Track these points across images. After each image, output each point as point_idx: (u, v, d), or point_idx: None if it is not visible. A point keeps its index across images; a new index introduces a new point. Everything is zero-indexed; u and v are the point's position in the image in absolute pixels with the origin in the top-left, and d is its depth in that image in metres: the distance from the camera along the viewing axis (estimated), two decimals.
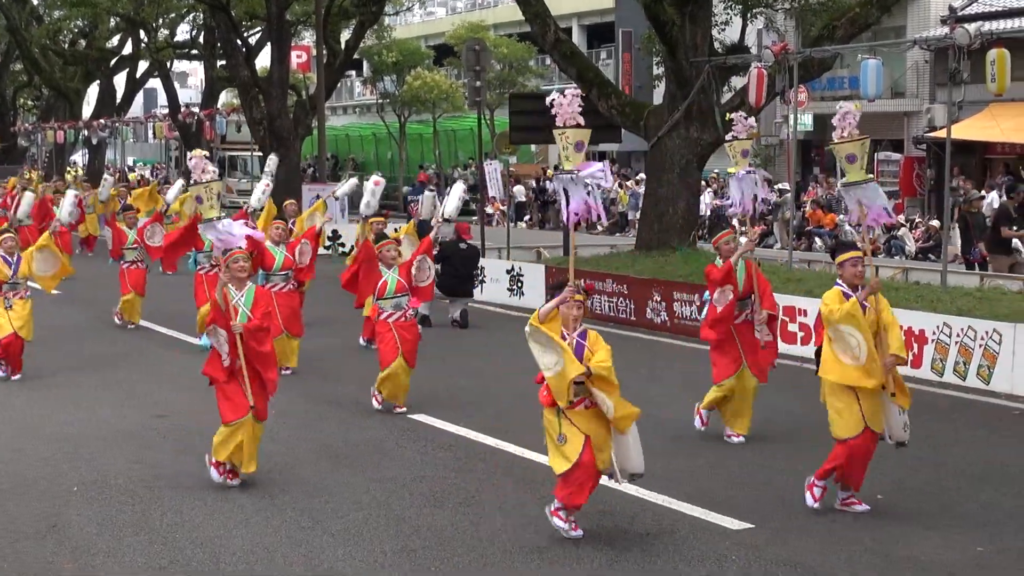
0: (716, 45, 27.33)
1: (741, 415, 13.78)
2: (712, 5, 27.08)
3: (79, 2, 43.26)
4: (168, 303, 23.86)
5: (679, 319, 21.37)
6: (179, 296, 22.12)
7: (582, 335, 10.05)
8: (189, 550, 10.15)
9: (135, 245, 22.22)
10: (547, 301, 10.19)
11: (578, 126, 10.39)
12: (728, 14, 28.90)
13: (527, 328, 9.87)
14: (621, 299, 22.67)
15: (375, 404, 15.19)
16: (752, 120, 14.59)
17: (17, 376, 17.36)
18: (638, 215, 37.88)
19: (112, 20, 60.22)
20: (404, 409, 15.00)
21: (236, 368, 11.70)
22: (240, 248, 11.83)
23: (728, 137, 14.40)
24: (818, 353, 11.29)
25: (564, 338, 9.90)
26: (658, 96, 33.24)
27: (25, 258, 17.49)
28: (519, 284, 25.16)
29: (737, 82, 27.97)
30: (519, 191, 49.43)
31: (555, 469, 10.09)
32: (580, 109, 10.42)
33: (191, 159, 12.08)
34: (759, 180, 14.35)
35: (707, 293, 14.10)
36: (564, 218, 10.41)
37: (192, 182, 11.95)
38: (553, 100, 10.41)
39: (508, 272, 25.41)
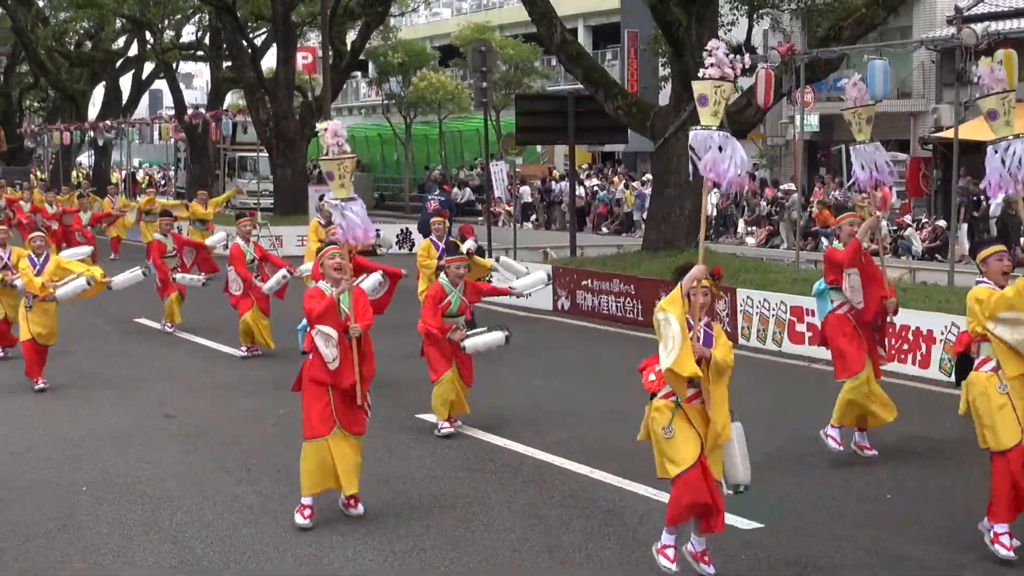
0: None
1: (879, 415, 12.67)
2: (718, 5, 27.06)
3: (85, 4, 43.30)
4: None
5: None
6: (189, 297, 22.10)
7: (708, 325, 9.27)
8: (199, 549, 10.17)
9: (173, 252, 21.87)
10: (672, 286, 9.31)
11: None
12: (735, 15, 28.90)
13: (657, 314, 9.08)
14: (628, 299, 22.67)
15: (445, 428, 13.95)
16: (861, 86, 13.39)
17: (41, 385, 16.71)
18: (644, 216, 37.93)
19: (118, 21, 60.23)
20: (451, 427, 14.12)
21: (342, 375, 10.67)
22: (356, 240, 10.82)
23: (849, 104, 13.14)
24: (960, 361, 10.32)
25: (690, 328, 9.01)
26: (664, 97, 33.20)
27: (53, 262, 16.92)
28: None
29: (744, 83, 27.93)
30: (525, 192, 49.45)
31: (665, 473, 9.24)
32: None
33: (325, 129, 10.73)
34: (879, 147, 13.05)
35: (819, 284, 13.10)
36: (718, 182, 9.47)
37: (324, 154, 10.74)
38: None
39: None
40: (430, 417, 14.39)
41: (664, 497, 11.26)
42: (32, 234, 17.26)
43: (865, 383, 12.45)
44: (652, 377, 9.23)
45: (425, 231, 33.80)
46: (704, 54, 9.37)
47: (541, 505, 11.22)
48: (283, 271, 18.42)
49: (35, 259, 16.88)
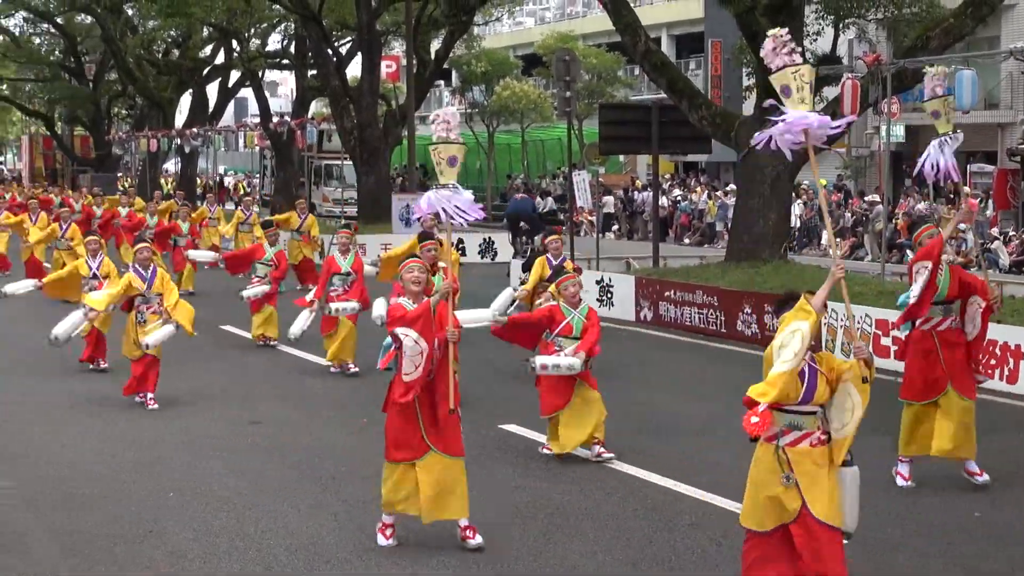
0: (808, 55, 27.15)
1: (961, 442, 12.10)
2: (804, 15, 26.91)
3: (173, 12, 43.73)
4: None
5: (770, 331, 21.19)
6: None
7: (812, 359, 8.50)
8: (283, 557, 10.24)
9: (271, 262, 21.32)
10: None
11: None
12: (820, 24, 28.72)
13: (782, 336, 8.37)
14: (711, 311, 22.57)
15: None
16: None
17: (151, 403, 16.16)
18: (726, 226, 37.76)
19: (205, 30, 60.87)
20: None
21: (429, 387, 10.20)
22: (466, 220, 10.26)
23: (927, 96, 12.87)
24: None
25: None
26: (747, 107, 33.08)
27: (163, 273, 16.51)
28: (608, 295, 25.12)
29: (829, 92, 27.78)
30: (608, 202, 49.37)
31: (745, 523, 8.56)
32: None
33: (436, 117, 10.40)
34: (949, 141, 12.55)
35: (903, 296, 12.71)
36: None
37: (436, 139, 10.37)
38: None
39: (598, 283, 25.36)
40: (512, 427, 14.43)
41: (724, 502, 11.19)
42: (138, 245, 16.69)
43: (923, 412, 12.25)
44: (755, 419, 8.17)
45: (514, 221, 33.95)
46: (767, 42, 8.98)
47: (624, 517, 11.20)
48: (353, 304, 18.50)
49: (143, 272, 16.20)
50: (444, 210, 10.06)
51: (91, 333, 18.27)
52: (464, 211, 10.09)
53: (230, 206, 49.29)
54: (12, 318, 24.57)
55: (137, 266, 16.27)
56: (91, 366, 18.84)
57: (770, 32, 9.03)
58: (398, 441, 10.30)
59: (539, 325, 13.70)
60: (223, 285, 27.98)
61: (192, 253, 22.46)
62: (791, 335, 8.23)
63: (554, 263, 18.05)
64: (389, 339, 10.61)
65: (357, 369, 18.56)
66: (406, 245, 19.56)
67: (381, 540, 10.44)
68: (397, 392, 10.21)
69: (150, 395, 16.14)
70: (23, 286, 18.59)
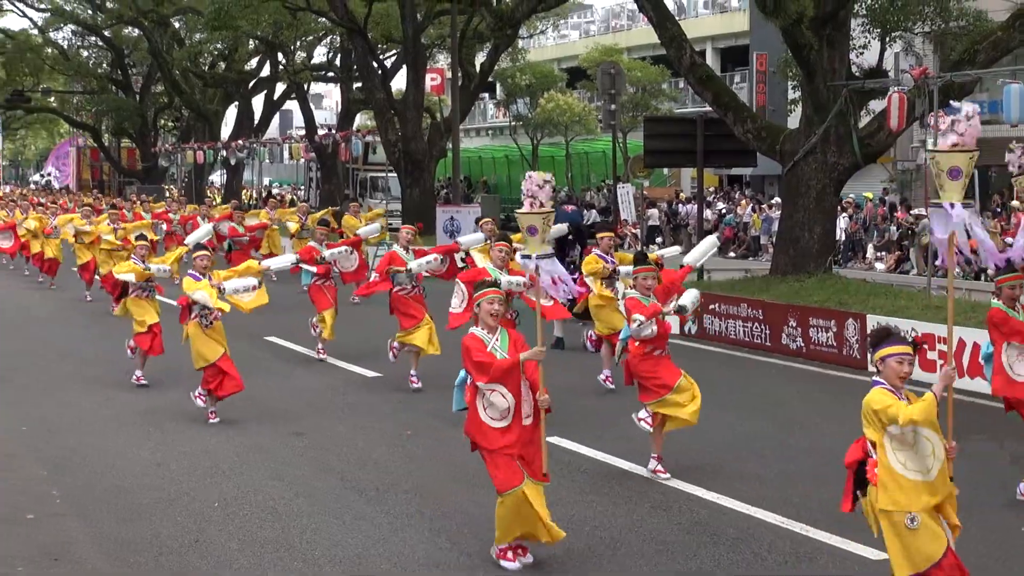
0: (854, 69, 27.07)
1: None
2: (851, 28, 26.83)
3: (220, 25, 43.98)
4: (296, 317, 24.15)
5: (815, 345, 21.15)
6: (306, 311, 22.22)
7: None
8: (328, 568, 10.27)
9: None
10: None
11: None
12: (866, 37, 28.60)
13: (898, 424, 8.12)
14: (756, 324, 22.50)
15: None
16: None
17: (212, 417, 15.98)
18: (770, 239, 37.63)
19: (251, 43, 61.22)
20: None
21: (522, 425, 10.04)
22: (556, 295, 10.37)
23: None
24: None
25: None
26: (792, 120, 32.97)
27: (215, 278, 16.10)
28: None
29: (875, 106, 27.66)
30: (652, 214, 49.29)
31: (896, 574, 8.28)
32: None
33: (529, 181, 10.47)
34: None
35: (986, 347, 12.62)
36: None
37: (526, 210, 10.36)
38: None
39: None
40: (555, 440, 14.40)
41: (793, 524, 11.19)
42: (197, 252, 16.38)
43: None
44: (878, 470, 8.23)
45: (577, 234, 33.77)
46: (950, 122, 8.57)
47: (668, 531, 11.18)
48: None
49: (199, 278, 15.96)
50: (549, 279, 10.07)
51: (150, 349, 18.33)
52: (564, 283, 10.12)
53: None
54: (66, 331, 24.81)
55: (196, 273, 15.95)
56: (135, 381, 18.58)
57: (965, 112, 8.63)
58: (502, 468, 10.03)
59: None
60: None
61: (271, 262, 22.13)
62: (917, 439, 8.15)
63: (608, 257, 18.14)
64: (464, 374, 10.28)
65: (419, 385, 18.25)
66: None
67: (508, 564, 10.17)
68: (492, 440, 10.02)
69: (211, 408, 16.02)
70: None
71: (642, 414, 13.13)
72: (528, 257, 10.16)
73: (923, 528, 8.09)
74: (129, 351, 18.83)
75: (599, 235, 19.05)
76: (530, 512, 9.92)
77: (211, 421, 15.86)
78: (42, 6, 71.71)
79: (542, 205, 10.27)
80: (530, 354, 9.88)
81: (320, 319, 21.01)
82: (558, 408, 14.86)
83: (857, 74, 26.94)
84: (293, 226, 32.52)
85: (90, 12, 70.81)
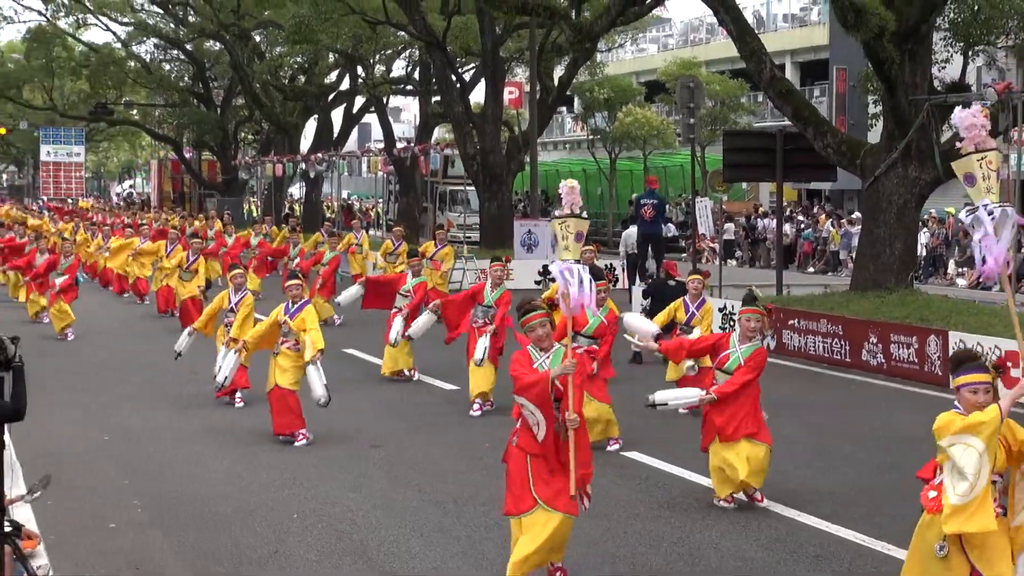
0: (936, 83, 26.83)
1: None
2: (932, 42, 26.59)
3: (300, 39, 44.29)
4: (375, 330, 24.20)
5: (896, 361, 20.96)
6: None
7: None
8: None
9: (408, 293, 20.55)
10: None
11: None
12: (949, 51, 28.34)
13: (952, 438, 7.89)
14: (836, 340, 22.34)
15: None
16: None
17: (303, 439, 15.64)
18: (850, 255, 37.35)
19: (331, 56, 61.59)
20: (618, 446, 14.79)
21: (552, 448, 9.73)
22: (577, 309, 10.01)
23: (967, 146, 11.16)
24: None
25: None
26: (872, 135, 32.71)
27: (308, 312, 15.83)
28: (732, 322, 24.94)
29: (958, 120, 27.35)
30: (729, 229, 49.13)
31: None
32: None
33: (563, 188, 10.30)
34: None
35: None
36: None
37: (558, 214, 10.35)
38: None
39: (720, 310, 25.21)
40: (633, 455, 14.38)
41: (876, 544, 11.08)
42: (288, 282, 16.22)
43: None
44: (932, 494, 8.07)
45: (643, 245, 33.56)
46: (956, 125, 8.27)
47: (747, 547, 11.11)
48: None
49: (288, 305, 15.79)
50: (567, 290, 9.70)
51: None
52: (586, 300, 9.77)
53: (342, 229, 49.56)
54: (148, 343, 25.08)
55: (289, 303, 15.86)
56: (229, 400, 18.31)
57: (973, 111, 8.40)
58: (515, 491, 9.82)
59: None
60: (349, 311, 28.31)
61: (342, 298, 21.99)
62: (964, 450, 7.81)
63: (691, 306, 17.88)
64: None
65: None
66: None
67: None
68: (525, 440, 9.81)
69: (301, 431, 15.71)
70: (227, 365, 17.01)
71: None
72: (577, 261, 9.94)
73: (949, 558, 7.91)
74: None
75: (690, 278, 18.52)
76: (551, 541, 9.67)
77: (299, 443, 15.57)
78: (125, 20, 72.59)
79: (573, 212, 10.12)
80: (559, 370, 9.52)
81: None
82: (636, 424, 14.87)
83: (939, 88, 26.69)
84: (375, 256, 32.31)
85: (172, 26, 71.56)
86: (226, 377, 16.96)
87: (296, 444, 15.44)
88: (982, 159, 8.27)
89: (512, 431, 9.97)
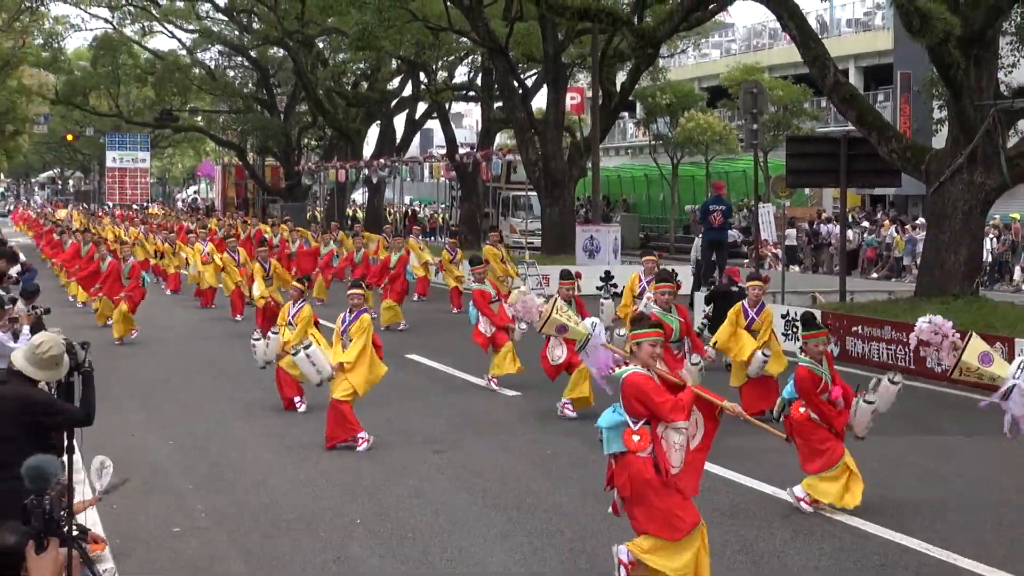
0: (1002, 88, 26.61)
1: None
2: (999, 47, 26.38)
3: (363, 46, 44.40)
4: (438, 336, 24.33)
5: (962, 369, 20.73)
6: (459, 335, 22.36)
7: None
8: None
9: (498, 297, 20.36)
10: None
11: None
12: (1015, 56, 28.13)
13: None
14: (900, 347, 22.17)
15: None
16: None
17: (363, 443, 15.60)
18: (914, 261, 37.09)
19: (393, 63, 61.81)
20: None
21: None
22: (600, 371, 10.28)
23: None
24: None
25: None
26: (937, 140, 32.49)
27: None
28: (794, 329, 24.82)
29: None
30: (791, 234, 48.87)
31: None
32: None
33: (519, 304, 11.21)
34: None
35: None
36: None
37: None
38: None
39: (783, 317, 25.10)
40: (715, 468, 14.30)
41: (942, 554, 10.98)
42: (351, 290, 16.14)
43: None
44: None
45: (708, 251, 33.40)
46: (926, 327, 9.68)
47: (810, 556, 11.06)
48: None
49: (346, 314, 15.88)
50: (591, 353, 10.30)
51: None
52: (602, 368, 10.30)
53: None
54: (214, 350, 25.25)
55: (347, 312, 15.92)
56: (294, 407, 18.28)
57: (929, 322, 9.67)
58: (675, 512, 9.53)
59: None
60: (415, 315, 28.44)
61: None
62: None
63: (751, 312, 17.76)
64: (614, 416, 9.70)
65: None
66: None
67: None
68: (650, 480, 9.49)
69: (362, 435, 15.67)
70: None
71: (798, 492, 12.63)
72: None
73: None
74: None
75: (749, 284, 18.35)
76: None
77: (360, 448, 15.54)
78: (190, 27, 73.23)
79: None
80: (692, 378, 9.63)
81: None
82: (729, 439, 14.61)
83: (1005, 93, 26.48)
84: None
85: (237, 33, 72.12)
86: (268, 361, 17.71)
87: (358, 449, 15.47)
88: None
89: (622, 462, 9.60)
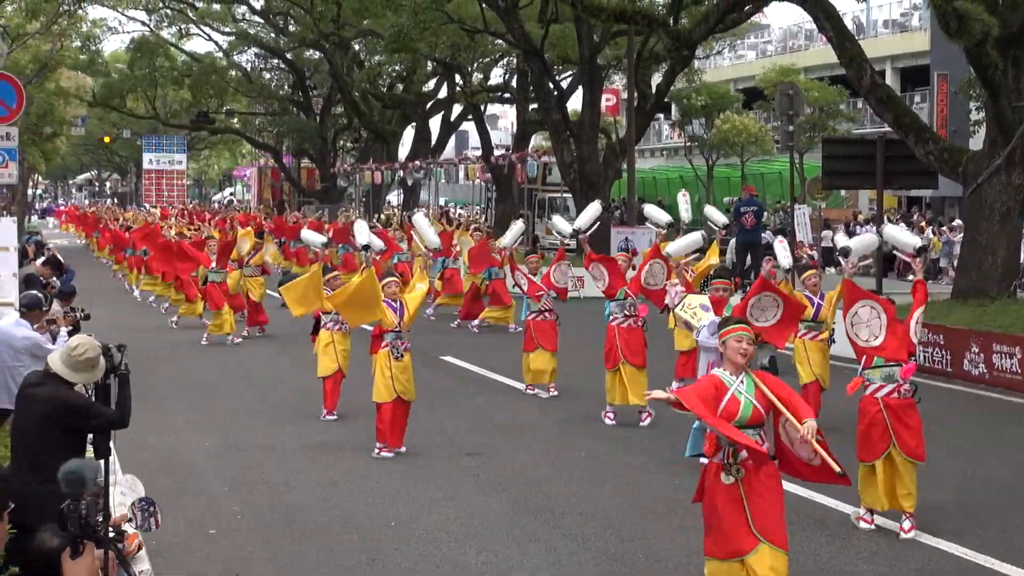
0: None
1: None
2: None
3: (399, 48, 44.51)
4: (471, 337, 24.30)
5: (999, 372, 20.66)
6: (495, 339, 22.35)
7: None
8: None
9: (541, 292, 19.71)
10: None
11: None
12: None
13: None
14: (936, 349, 22.05)
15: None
16: None
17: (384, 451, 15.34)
18: (951, 262, 36.89)
19: (429, 65, 61.90)
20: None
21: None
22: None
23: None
24: None
25: None
26: (974, 141, 32.32)
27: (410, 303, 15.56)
28: (832, 331, 24.69)
29: None
30: (828, 236, 48.64)
31: None
32: None
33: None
34: None
35: None
36: None
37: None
38: None
39: None
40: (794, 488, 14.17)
41: (978, 558, 10.91)
42: (385, 279, 15.63)
43: None
44: None
45: (743, 252, 33.20)
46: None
47: (846, 560, 11.00)
48: None
49: (393, 305, 15.35)
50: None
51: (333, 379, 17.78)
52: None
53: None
54: (251, 357, 25.33)
55: (387, 300, 15.39)
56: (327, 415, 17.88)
57: None
58: (725, 530, 8.84)
59: None
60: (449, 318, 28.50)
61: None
62: None
63: (815, 299, 16.94)
64: (700, 422, 9.33)
65: (556, 392, 19.22)
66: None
67: None
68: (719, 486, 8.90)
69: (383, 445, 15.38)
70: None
71: (862, 511, 12.15)
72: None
73: None
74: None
75: (804, 276, 17.51)
76: None
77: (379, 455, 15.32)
78: (227, 30, 73.51)
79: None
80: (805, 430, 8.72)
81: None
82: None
83: None
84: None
85: (273, 35, 72.37)
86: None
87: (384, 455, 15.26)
88: None
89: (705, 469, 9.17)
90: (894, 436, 11.70)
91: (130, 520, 8.60)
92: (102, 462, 8.80)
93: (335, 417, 17.66)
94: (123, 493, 9.47)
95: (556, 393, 19.34)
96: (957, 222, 40.90)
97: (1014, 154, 24.92)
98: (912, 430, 11.78)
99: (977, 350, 21.13)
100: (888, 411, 11.76)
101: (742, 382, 8.88)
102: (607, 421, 17.30)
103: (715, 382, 8.90)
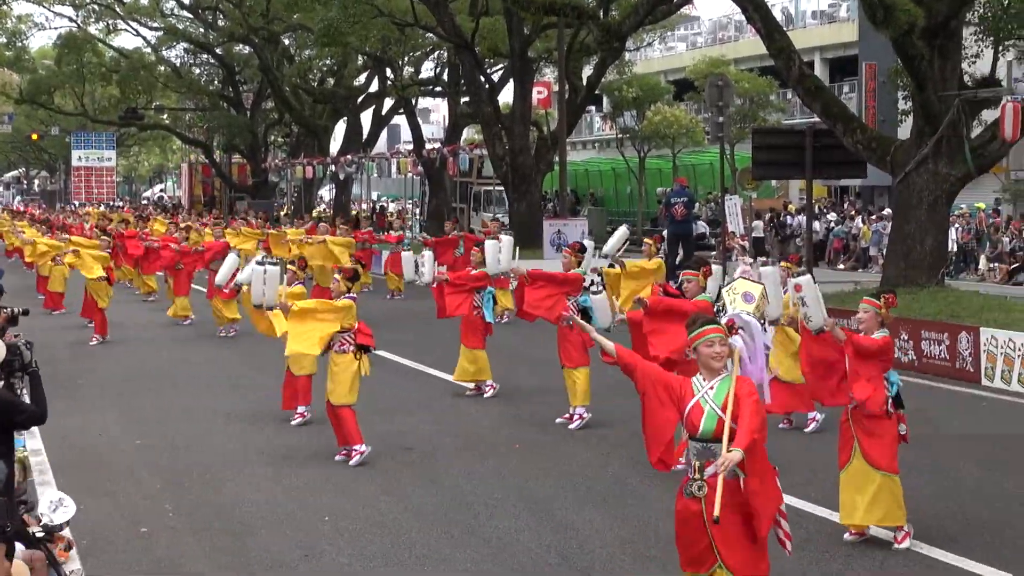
0: (966, 78, 26.70)
1: None
2: (962, 37, 26.47)
3: (329, 42, 44.36)
4: (401, 328, 24.19)
5: (927, 358, 20.87)
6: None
7: None
8: None
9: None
10: None
11: None
12: (979, 46, 28.20)
13: None
14: None
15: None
16: None
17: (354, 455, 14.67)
18: (880, 251, 37.22)
19: (360, 58, 61.74)
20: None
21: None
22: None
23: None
24: None
25: None
26: (902, 131, 32.58)
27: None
28: (761, 321, 24.84)
29: (988, 116, 27.27)
30: (757, 226, 48.94)
31: None
32: None
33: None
34: None
35: None
36: None
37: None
38: None
39: None
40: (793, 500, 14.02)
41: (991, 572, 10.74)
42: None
43: None
44: None
45: (674, 243, 33.27)
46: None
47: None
48: None
49: None
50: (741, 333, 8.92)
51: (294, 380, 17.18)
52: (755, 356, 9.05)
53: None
54: (184, 352, 25.13)
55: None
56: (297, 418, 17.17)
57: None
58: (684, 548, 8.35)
59: None
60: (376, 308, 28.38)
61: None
62: None
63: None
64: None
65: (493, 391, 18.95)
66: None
67: None
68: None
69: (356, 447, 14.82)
70: None
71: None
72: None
73: None
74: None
75: (781, 265, 17.36)
76: None
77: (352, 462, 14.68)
78: (155, 25, 72.88)
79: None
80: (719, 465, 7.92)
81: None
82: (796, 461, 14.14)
83: (969, 84, 26.57)
84: None
85: (202, 30, 71.86)
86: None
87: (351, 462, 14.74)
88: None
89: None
90: (858, 444, 11.46)
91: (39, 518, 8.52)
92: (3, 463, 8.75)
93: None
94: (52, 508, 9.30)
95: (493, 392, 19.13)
96: (886, 211, 41.28)
97: (941, 143, 25.16)
98: (875, 438, 11.44)
99: (906, 337, 21.33)
100: (854, 420, 11.52)
101: (712, 388, 8.18)
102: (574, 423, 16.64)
103: (682, 380, 8.34)
